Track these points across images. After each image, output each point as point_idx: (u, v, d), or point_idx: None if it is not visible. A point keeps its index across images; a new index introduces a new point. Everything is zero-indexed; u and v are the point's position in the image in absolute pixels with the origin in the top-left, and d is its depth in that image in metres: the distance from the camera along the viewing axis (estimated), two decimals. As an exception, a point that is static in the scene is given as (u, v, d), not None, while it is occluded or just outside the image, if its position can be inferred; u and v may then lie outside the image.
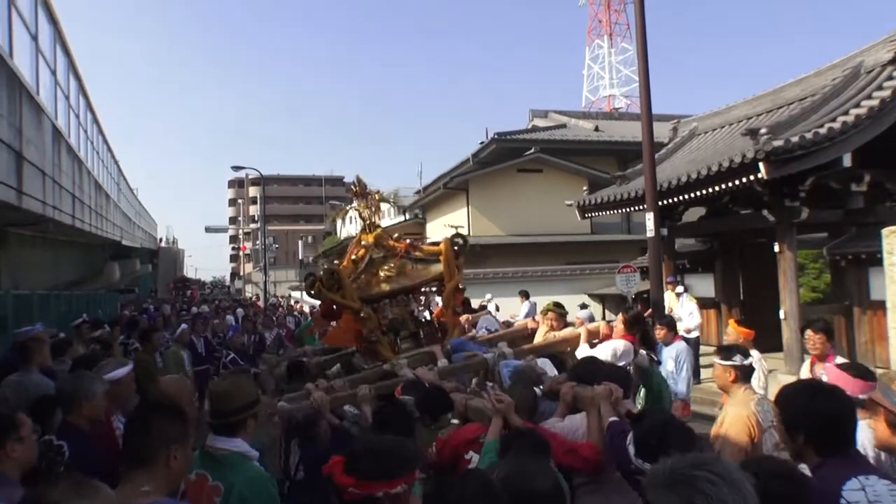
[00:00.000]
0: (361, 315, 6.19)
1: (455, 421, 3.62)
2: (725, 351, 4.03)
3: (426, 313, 7.08)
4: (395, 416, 3.32)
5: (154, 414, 2.27)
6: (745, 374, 3.87)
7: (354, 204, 7.14)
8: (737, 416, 3.62)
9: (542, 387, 3.78)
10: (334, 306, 6.38)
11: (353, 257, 6.78)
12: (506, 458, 2.49)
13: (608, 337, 5.46)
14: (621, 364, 4.53)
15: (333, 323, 7.03)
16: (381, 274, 6.50)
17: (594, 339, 5.73)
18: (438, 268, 6.48)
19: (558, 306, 6.89)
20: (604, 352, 4.83)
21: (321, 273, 6.48)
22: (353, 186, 7.53)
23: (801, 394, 2.42)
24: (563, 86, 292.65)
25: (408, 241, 6.95)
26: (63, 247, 17.34)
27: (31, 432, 2.61)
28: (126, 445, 2.27)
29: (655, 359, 5.52)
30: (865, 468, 2.27)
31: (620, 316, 5.59)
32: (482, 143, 25.82)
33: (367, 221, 6.99)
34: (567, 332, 6.24)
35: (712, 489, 1.43)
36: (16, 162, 8.13)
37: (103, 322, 9.84)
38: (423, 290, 6.81)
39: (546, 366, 4.89)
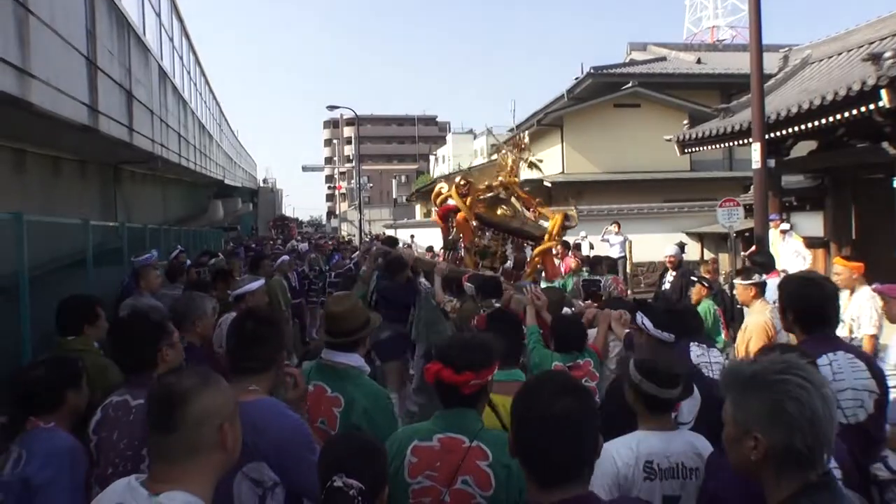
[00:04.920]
0: (468, 222, 7.44)
1: (497, 305, 4.69)
2: (745, 272, 5.09)
3: (511, 259, 7.96)
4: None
5: (255, 324, 2.33)
6: (762, 289, 4.87)
7: (504, 152, 8.17)
8: (757, 323, 4.59)
9: (572, 309, 4.82)
10: (448, 215, 7.70)
11: (489, 183, 7.83)
12: (639, 350, 3.16)
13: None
14: None
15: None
16: (499, 210, 7.73)
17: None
18: (542, 230, 7.59)
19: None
20: None
21: (458, 179, 7.66)
22: (518, 138, 9.11)
23: (795, 282, 2.88)
24: (663, 18, 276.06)
25: (536, 200, 8.18)
26: (170, 185, 18.35)
27: (178, 339, 2.83)
28: (233, 353, 2.33)
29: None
30: (837, 346, 2.64)
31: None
32: (577, 78, 24.99)
33: (513, 168, 8.04)
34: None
35: (804, 395, 1.37)
36: (127, 101, 8.59)
37: (217, 252, 10.57)
38: (519, 239, 7.79)
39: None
